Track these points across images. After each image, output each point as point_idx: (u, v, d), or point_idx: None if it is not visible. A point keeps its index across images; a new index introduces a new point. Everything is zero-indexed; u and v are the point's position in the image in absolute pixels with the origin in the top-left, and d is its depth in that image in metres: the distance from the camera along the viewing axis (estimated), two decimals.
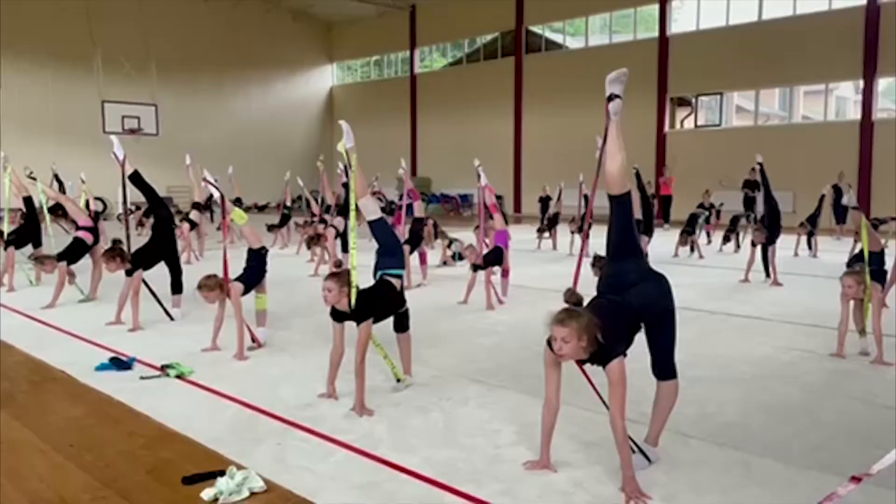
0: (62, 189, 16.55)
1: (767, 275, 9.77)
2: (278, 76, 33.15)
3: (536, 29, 27.45)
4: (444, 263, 11.43)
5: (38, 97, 26.03)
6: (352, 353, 4.40)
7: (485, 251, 8.23)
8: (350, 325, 4.49)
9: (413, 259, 9.41)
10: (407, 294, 8.81)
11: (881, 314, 5.64)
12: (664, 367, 3.59)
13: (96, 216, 12.39)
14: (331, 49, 35.09)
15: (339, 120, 5.10)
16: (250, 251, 6.16)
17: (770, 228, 9.57)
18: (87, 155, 21.96)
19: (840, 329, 5.73)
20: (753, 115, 23.47)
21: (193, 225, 11.43)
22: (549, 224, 14.86)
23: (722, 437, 3.93)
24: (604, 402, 3.70)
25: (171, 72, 27.85)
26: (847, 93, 23.61)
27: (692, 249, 12.97)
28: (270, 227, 14.83)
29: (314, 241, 10.87)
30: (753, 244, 9.86)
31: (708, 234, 15.23)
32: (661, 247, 13.61)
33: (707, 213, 14.47)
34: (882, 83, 20.31)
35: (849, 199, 7.48)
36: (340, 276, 4.54)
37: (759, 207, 12.76)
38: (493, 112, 28.25)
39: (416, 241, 9.24)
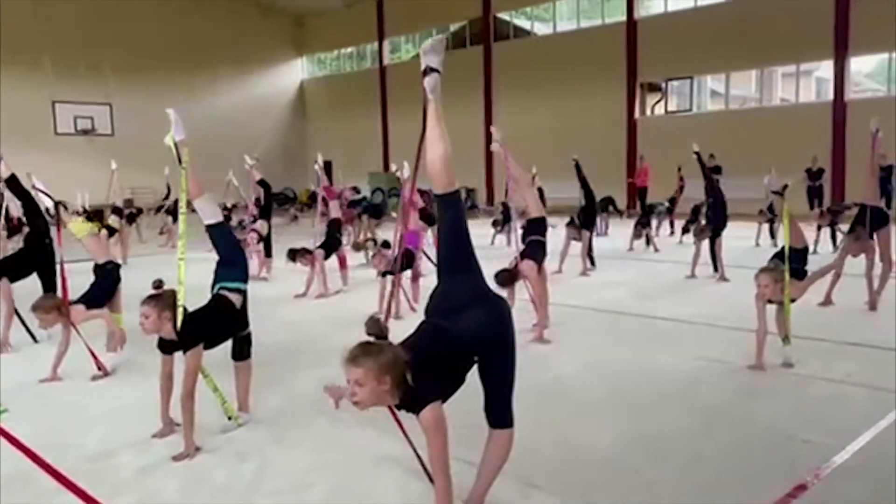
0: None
1: (716, 269, 9.13)
2: (246, 71, 32.21)
3: (504, 16, 26.68)
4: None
5: None
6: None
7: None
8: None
9: (332, 262, 8.77)
10: (322, 301, 8.30)
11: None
12: (496, 411, 2.92)
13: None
14: (300, 43, 34.25)
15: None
16: (96, 267, 5.50)
17: (715, 220, 8.94)
18: (38, 158, 21.10)
19: (758, 336, 5.09)
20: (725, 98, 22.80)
21: (112, 231, 10.70)
22: (504, 218, 14.13)
23: (577, 486, 3.28)
24: (417, 455, 3.07)
25: (130, 70, 26.86)
26: (827, 74, 22.86)
27: (647, 243, 12.31)
28: None
29: None
30: (698, 239, 9.22)
31: (671, 225, 14.61)
32: (617, 240, 13.00)
33: (665, 204, 13.80)
34: (871, 62, 19.61)
35: (769, 180, 6.79)
36: (160, 298, 3.88)
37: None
38: (464, 102, 27.30)
39: (330, 244, 8.57)
